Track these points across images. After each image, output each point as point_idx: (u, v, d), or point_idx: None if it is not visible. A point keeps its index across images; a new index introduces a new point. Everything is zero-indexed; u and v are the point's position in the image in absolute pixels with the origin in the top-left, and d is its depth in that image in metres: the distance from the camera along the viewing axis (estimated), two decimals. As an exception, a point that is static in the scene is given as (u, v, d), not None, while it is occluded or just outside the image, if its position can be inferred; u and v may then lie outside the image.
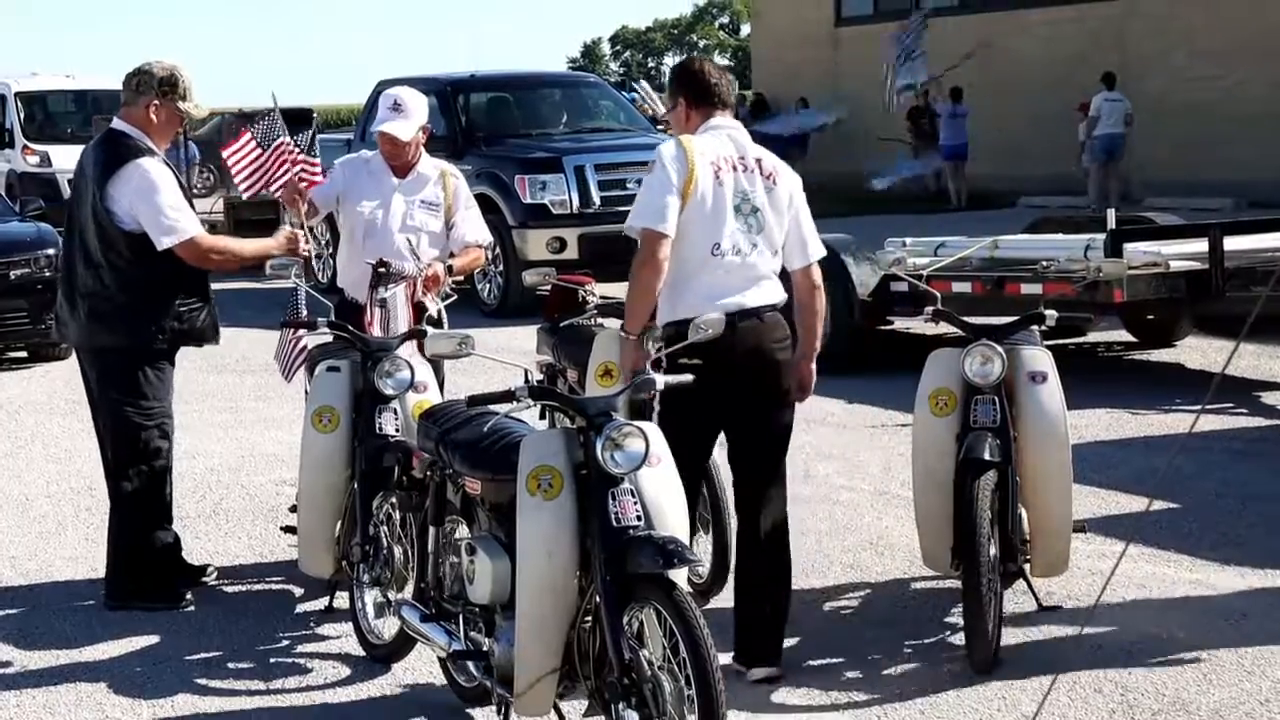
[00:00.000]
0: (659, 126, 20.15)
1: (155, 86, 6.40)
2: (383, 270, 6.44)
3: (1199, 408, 8.10)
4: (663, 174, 5.23)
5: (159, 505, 6.46)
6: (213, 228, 21.20)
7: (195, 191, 21.17)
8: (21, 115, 24.38)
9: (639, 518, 4.36)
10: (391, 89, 6.79)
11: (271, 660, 5.81)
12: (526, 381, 4.65)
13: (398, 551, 5.69)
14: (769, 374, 5.38)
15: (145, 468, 6.39)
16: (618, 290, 15.78)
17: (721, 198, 5.27)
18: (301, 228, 6.61)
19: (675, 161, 5.24)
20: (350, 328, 6.17)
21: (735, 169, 5.32)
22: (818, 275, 5.51)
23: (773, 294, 5.38)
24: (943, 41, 27.91)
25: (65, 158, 20.09)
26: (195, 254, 6.33)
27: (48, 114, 25.12)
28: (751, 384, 5.35)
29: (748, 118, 27.95)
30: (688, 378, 4.91)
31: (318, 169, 7.05)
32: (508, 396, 4.54)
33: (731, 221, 5.28)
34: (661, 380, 4.83)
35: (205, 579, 6.68)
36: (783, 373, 5.41)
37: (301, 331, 6.65)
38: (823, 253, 5.54)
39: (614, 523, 4.34)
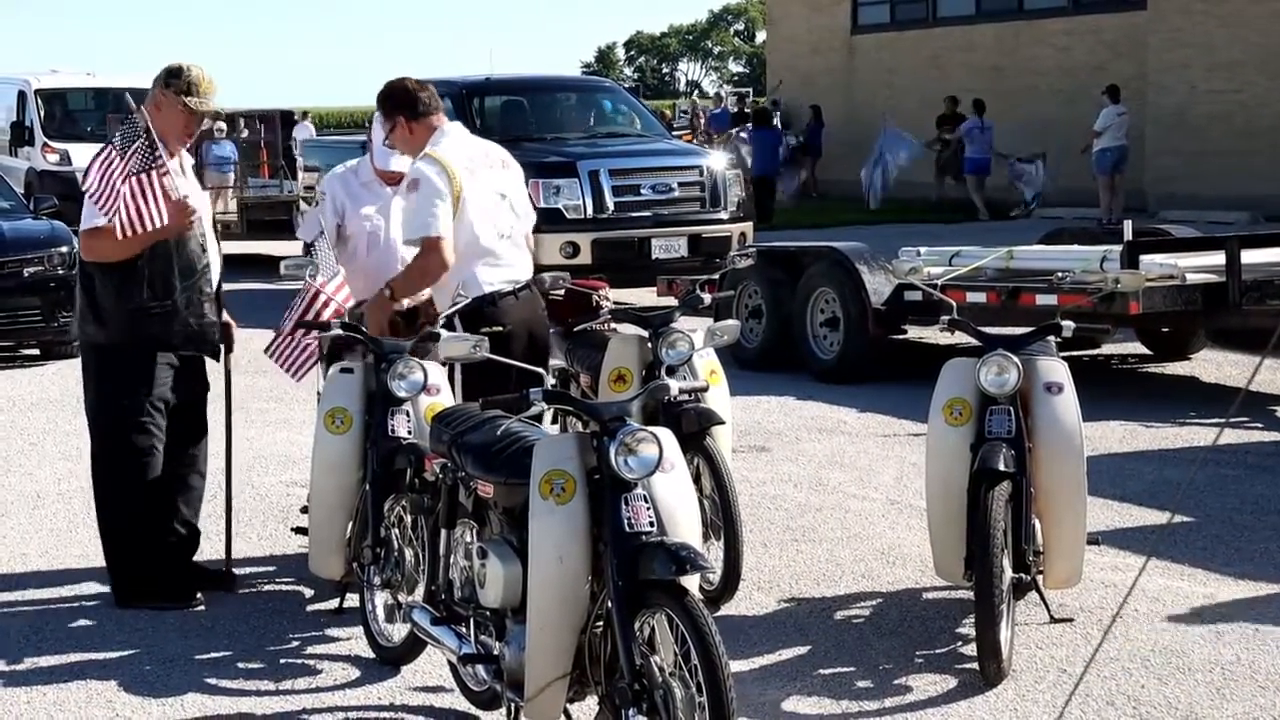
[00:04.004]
0: (675, 133, 20.10)
1: (163, 78, 6.36)
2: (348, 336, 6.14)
3: (1222, 421, 8.08)
4: (430, 188, 5.99)
5: (138, 503, 6.33)
6: (225, 228, 21.30)
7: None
8: (41, 113, 24.38)
9: (652, 523, 4.35)
10: None
11: (281, 661, 5.80)
12: (540, 385, 4.64)
13: (408, 554, 5.68)
14: (539, 338, 6.36)
15: (118, 465, 6.33)
16: (631, 295, 15.82)
17: (482, 194, 6.11)
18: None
19: (439, 177, 6.00)
20: (363, 330, 6.16)
21: (481, 166, 6.15)
22: (531, 239, 6.52)
23: (530, 267, 6.38)
24: (961, 51, 27.93)
25: (85, 156, 20.03)
26: (83, 246, 6.29)
27: (67, 112, 25.12)
28: (528, 344, 6.19)
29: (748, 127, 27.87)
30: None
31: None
32: (521, 400, 4.53)
33: (494, 211, 6.15)
34: (675, 386, 4.84)
35: (232, 588, 6.62)
36: (548, 335, 6.51)
37: (313, 332, 6.63)
38: (534, 219, 6.51)
39: (626, 528, 4.32)
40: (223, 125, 24.03)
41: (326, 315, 6.42)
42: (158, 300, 6.32)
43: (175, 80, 6.34)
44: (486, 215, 6.13)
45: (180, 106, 6.33)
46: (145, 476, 6.35)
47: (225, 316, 6.66)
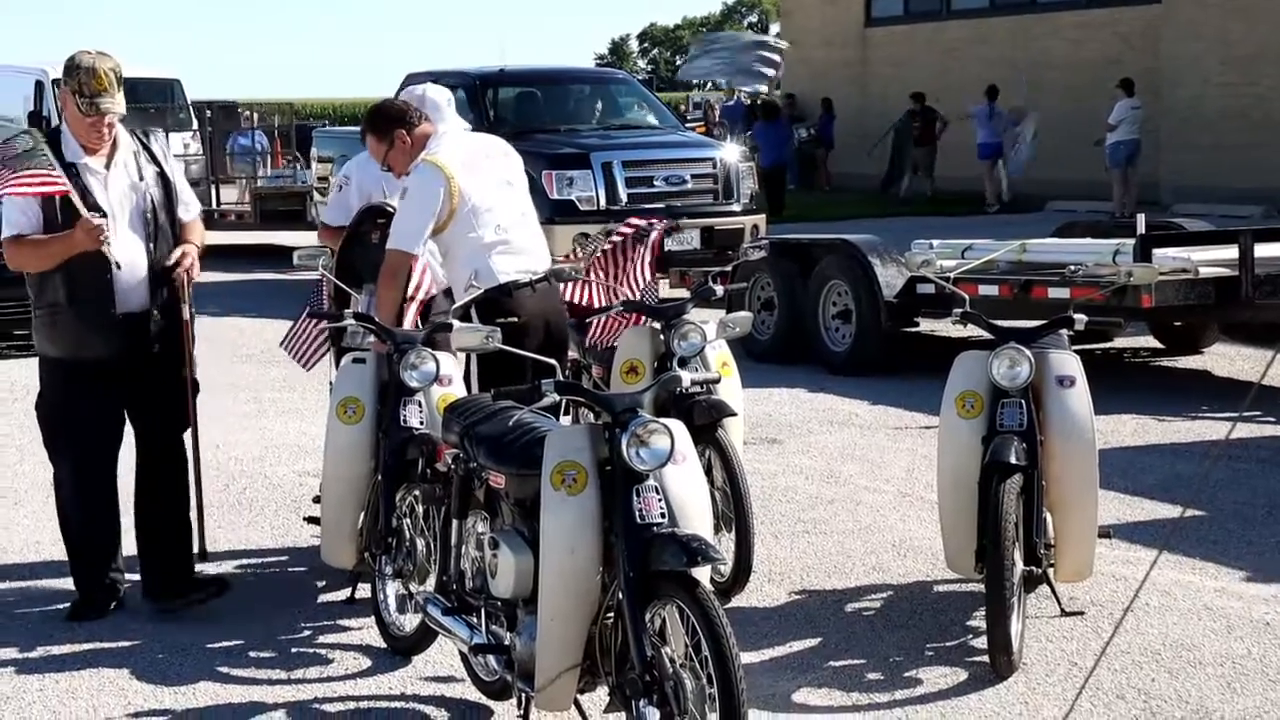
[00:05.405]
0: (688, 125, 20.06)
1: (64, 70, 5.82)
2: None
3: (1235, 415, 8.05)
4: (420, 199, 5.99)
5: (69, 508, 6.23)
6: (239, 217, 21.33)
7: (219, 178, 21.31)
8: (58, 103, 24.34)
9: (663, 515, 4.35)
10: (417, 88, 6.66)
11: (292, 650, 5.82)
12: (552, 376, 4.65)
13: (420, 544, 5.69)
14: (556, 329, 6.25)
15: (55, 471, 6.24)
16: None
17: (485, 187, 6.09)
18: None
19: (434, 182, 5.97)
20: (376, 320, 6.17)
21: (481, 158, 6.18)
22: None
23: (547, 258, 6.34)
24: (974, 44, 27.85)
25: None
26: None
27: (84, 102, 25.10)
28: (545, 335, 6.11)
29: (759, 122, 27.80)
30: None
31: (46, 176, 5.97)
32: (534, 391, 4.54)
33: (501, 202, 6.14)
34: (687, 378, 4.84)
35: (219, 593, 6.34)
36: (565, 327, 6.43)
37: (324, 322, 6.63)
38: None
39: (638, 519, 4.33)
40: (248, 115, 23.99)
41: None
42: (48, 307, 6.03)
43: (69, 78, 5.77)
44: (492, 208, 6.12)
45: (76, 108, 5.80)
46: (74, 482, 6.18)
47: (187, 314, 6.22)
